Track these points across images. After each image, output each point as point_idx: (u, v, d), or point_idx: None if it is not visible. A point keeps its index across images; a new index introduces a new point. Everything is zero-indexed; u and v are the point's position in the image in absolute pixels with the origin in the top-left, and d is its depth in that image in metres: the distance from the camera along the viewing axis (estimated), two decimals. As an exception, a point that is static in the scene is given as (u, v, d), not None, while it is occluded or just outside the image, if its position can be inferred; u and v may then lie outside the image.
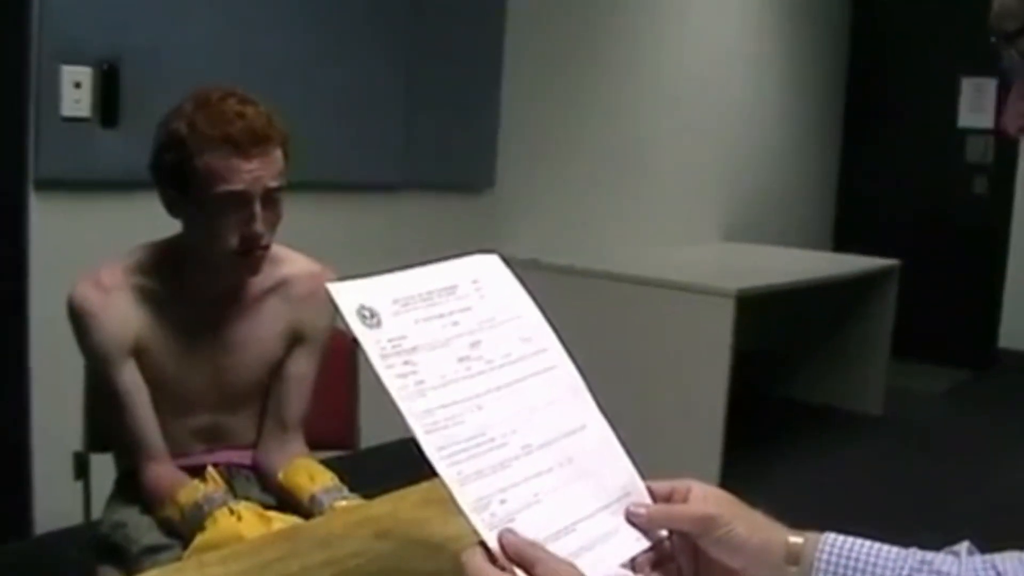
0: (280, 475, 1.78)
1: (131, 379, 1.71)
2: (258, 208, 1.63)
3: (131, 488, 1.78)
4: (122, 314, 1.69)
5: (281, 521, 1.59)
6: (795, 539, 0.97)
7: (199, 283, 1.74)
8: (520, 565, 0.84)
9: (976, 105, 6.35)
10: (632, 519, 0.97)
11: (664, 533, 0.98)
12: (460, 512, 0.86)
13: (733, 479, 3.63)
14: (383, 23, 3.71)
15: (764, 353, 5.20)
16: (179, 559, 1.54)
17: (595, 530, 0.94)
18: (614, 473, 1.00)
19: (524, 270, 4.28)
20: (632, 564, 0.95)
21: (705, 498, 0.97)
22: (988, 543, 0.99)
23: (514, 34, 4.20)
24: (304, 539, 1.32)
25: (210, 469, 1.72)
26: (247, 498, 1.73)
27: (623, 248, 4.83)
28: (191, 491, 1.66)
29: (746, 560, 0.96)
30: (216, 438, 1.84)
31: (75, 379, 1.92)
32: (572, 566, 0.86)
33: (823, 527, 1.00)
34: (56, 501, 2.61)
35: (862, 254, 5.41)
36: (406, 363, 0.93)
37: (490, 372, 0.98)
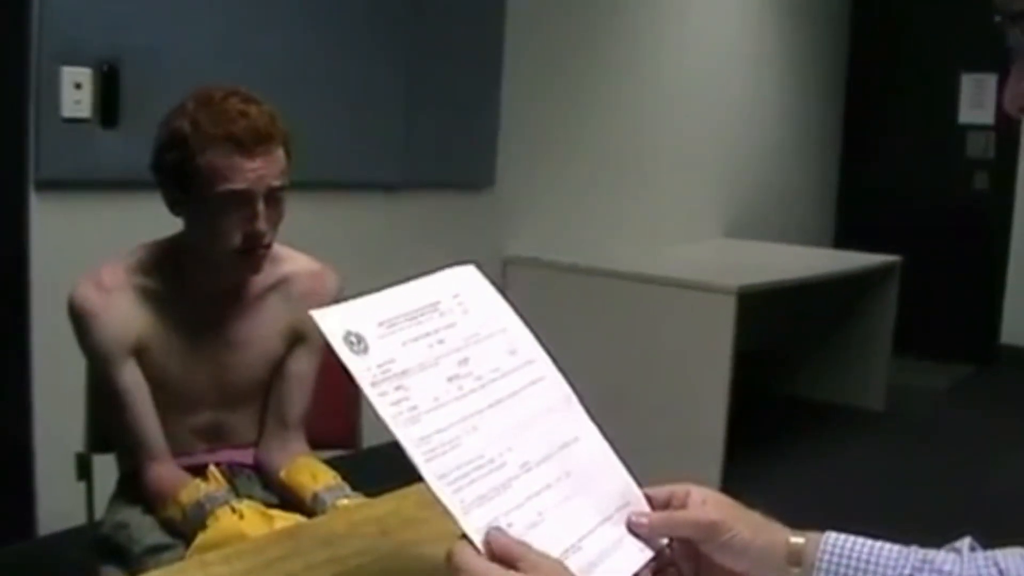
0: (282, 473, 1.78)
1: (132, 379, 1.71)
2: (261, 207, 1.63)
3: (133, 488, 1.78)
4: (123, 314, 1.69)
5: (283, 520, 1.59)
6: (796, 539, 0.97)
7: (200, 282, 1.74)
8: (505, 562, 0.84)
9: (977, 101, 6.34)
10: (634, 529, 0.96)
11: (665, 540, 0.97)
12: (467, 539, 0.85)
13: (735, 476, 3.64)
14: (383, 22, 3.71)
15: (766, 350, 5.20)
16: (182, 559, 1.54)
17: (599, 545, 0.93)
18: (611, 482, 1.00)
19: (525, 268, 4.31)
20: (635, 574, 0.94)
21: (704, 503, 0.97)
22: (990, 539, 0.99)
23: (514, 33, 4.20)
24: (306, 538, 1.32)
25: (212, 468, 1.72)
26: (249, 497, 1.73)
27: (624, 246, 4.82)
28: (193, 490, 1.66)
29: (750, 563, 0.96)
30: (217, 437, 1.84)
31: (77, 379, 1.92)
32: (559, 562, 0.86)
33: (825, 524, 1.00)
34: (58, 502, 2.61)
35: (863, 251, 5.40)
36: (398, 388, 0.92)
37: (481, 389, 0.97)
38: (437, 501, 0.85)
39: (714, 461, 3.73)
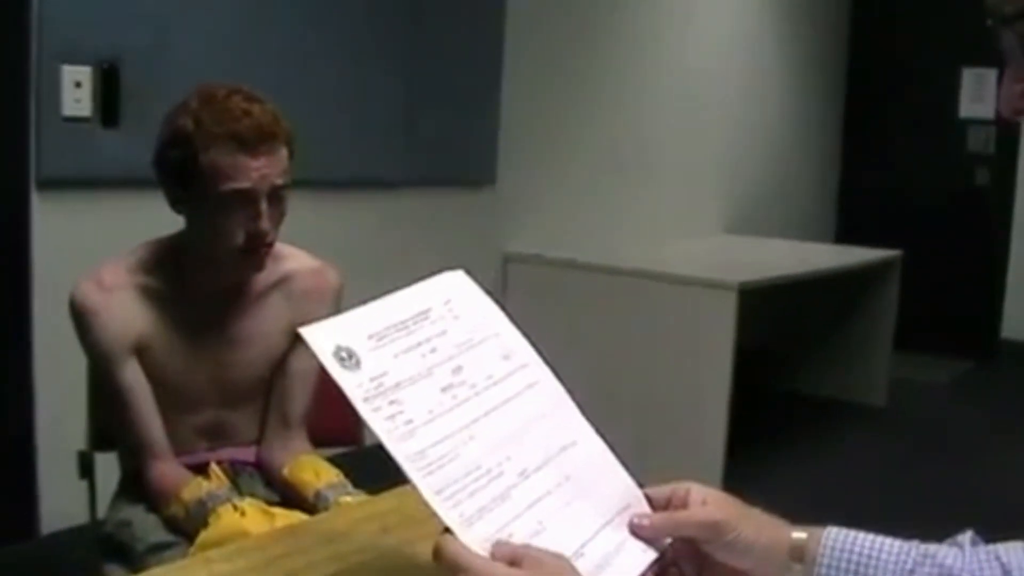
0: (285, 471, 1.78)
1: (134, 377, 1.71)
2: (264, 206, 1.63)
3: (136, 486, 1.78)
4: (124, 313, 1.69)
5: (285, 517, 1.59)
6: (798, 535, 0.97)
7: (202, 280, 1.74)
8: (511, 563, 0.84)
9: (977, 95, 6.34)
10: (637, 531, 0.96)
11: (668, 540, 0.97)
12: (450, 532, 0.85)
13: (737, 472, 3.64)
14: (383, 20, 3.70)
15: (767, 346, 5.20)
16: (184, 557, 1.54)
17: (602, 549, 0.93)
18: (611, 485, 1.00)
19: (526, 265, 4.32)
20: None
21: (705, 501, 0.97)
22: (992, 533, 0.99)
23: (514, 30, 4.20)
24: (309, 535, 1.32)
25: (214, 466, 1.72)
26: (252, 495, 1.73)
27: (625, 242, 4.82)
28: (195, 488, 1.66)
29: (754, 561, 0.96)
30: (219, 435, 1.84)
31: (79, 378, 1.92)
32: (559, 556, 0.86)
33: (827, 519, 1.00)
34: (61, 500, 2.61)
35: (864, 246, 5.40)
36: (391, 403, 0.91)
37: (475, 398, 0.96)
38: (435, 516, 0.85)
39: (715, 458, 3.73)
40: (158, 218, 1.72)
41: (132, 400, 1.71)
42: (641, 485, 1.01)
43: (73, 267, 1.76)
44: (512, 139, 4.25)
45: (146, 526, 1.73)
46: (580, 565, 0.89)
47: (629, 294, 4.09)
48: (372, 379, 0.92)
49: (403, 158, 3.83)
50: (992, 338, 6.30)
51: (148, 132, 1.70)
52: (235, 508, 1.59)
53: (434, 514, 0.85)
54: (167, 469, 1.73)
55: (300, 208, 1.77)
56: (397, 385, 0.93)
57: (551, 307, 4.20)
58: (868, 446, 4.69)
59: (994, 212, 6.32)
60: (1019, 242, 6.24)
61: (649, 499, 1.00)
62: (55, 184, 2.85)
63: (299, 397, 1.84)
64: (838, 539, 0.96)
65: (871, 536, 0.96)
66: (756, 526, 0.96)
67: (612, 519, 0.96)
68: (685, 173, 5.42)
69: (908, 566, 0.93)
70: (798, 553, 0.96)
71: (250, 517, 1.57)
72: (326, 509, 1.66)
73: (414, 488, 0.86)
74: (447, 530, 0.85)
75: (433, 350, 0.98)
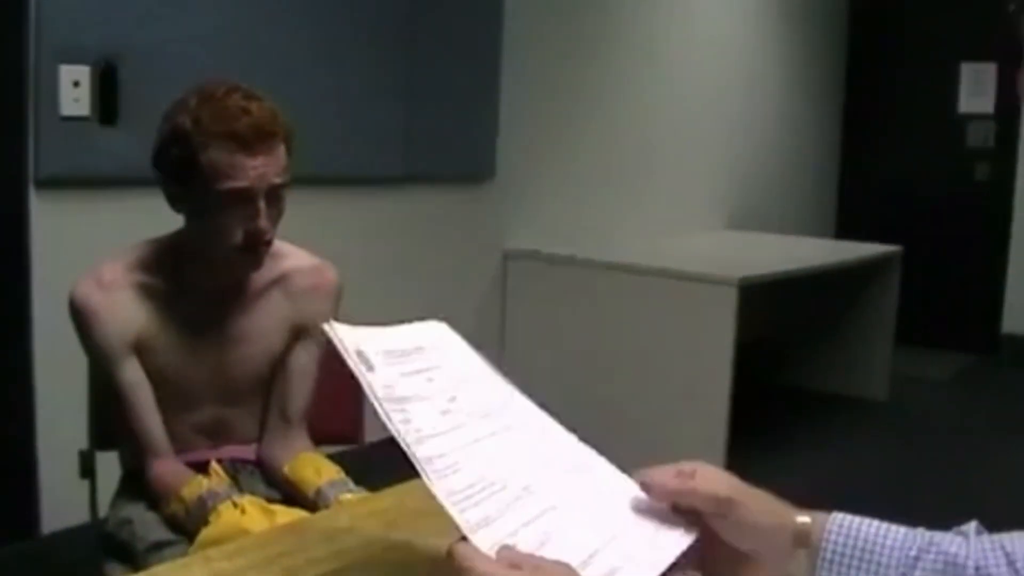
0: (286, 468, 1.78)
1: (134, 376, 1.71)
2: (262, 204, 1.63)
3: (137, 485, 1.78)
4: (124, 311, 1.69)
5: (285, 515, 1.59)
6: (803, 519, 0.97)
7: (201, 278, 1.74)
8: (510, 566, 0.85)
9: (976, 90, 6.33)
10: (644, 489, 0.99)
11: (679, 549, 0.97)
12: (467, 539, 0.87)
13: (738, 468, 3.60)
14: (382, 15, 3.70)
15: (768, 341, 5.20)
16: (185, 555, 1.54)
17: (611, 560, 0.93)
18: (624, 500, 1.01)
19: (526, 261, 4.31)
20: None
21: (714, 479, 0.98)
22: (993, 527, 0.99)
23: (513, 24, 4.20)
24: (310, 532, 1.32)
25: (214, 464, 1.72)
26: (252, 493, 1.73)
27: (625, 238, 4.82)
28: (195, 486, 1.66)
29: (756, 542, 0.97)
30: (220, 433, 1.84)
31: (79, 377, 1.92)
32: (567, 566, 0.87)
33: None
34: (62, 499, 2.62)
35: (864, 241, 5.40)
36: (403, 410, 0.95)
37: (471, 424, 1.00)
38: (450, 518, 0.87)
39: (716, 453, 3.72)
40: (157, 217, 1.72)
41: (132, 399, 1.71)
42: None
43: (72, 266, 1.76)
44: (511, 135, 4.25)
45: (147, 524, 1.73)
46: (590, 572, 0.89)
47: (629, 290, 4.09)
48: (385, 386, 0.97)
49: (402, 154, 3.83)
50: (993, 333, 6.30)
51: (146, 131, 1.70)
52: (235, 506, 1.59)
53: (449, 517, 0.87)
54: (167, 467, 1.73)
55: (299, 205, 1.77)
56: (404, 398, 0.97)
57: (551, 303, 4.20)
58: (869, 441, 4.69)
59: (994, 207, 6.31)
60: (1019, 236, 6.23)
61: (645, 486, 1.01)
62: (54, 183, 2.85)
63: (299, 394, 1.84)
64: (843, 524, 0.96)
65: (876, 522, 0.96)
66: (761, 507, 0.97)
67: (617, 536, 0.97)
68: (685, 169, 5.41)
69: (912, 553, 0.94)
70: (803, 538, 0.96)
71: (250, 515, 1.57)
72: (327, 506, 1.66)
73: (430, 490, 0.88)
74: (464, 538, 0.87)
75: (430, 380, 1.03)
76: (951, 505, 1.07)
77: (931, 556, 0.93)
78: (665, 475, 1.00)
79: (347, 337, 0.99)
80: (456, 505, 0.89)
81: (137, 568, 1.65)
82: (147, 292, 1.72)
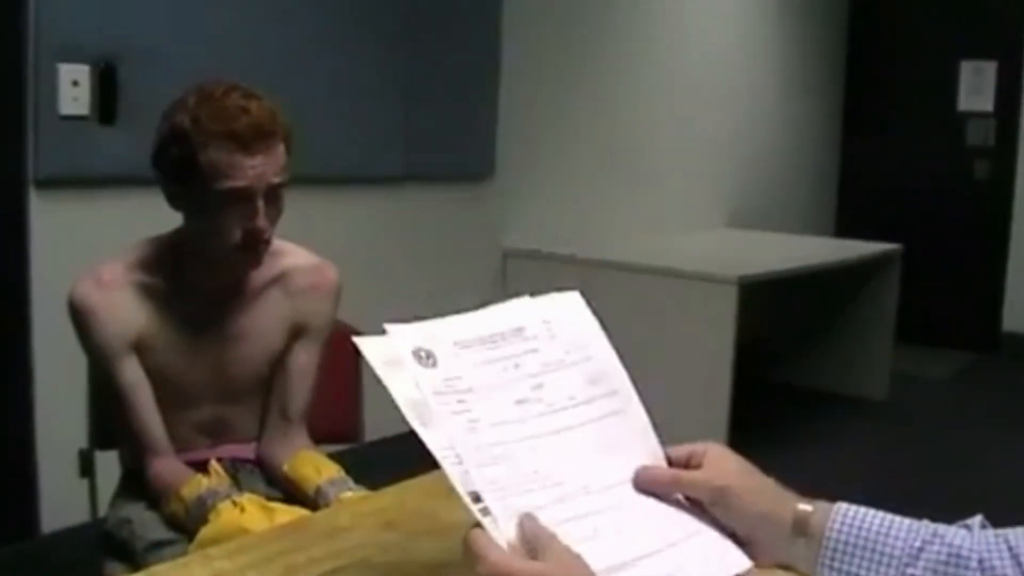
0: (286, 467, 1.78)
1: (134, 375, 1.71)
2: (261, 204, 1.63)
3: (136, 484, 1.78)
4: (123, 310, 1.69)
5: (284, 513, 1.59)
6: (804, 507, 0.98)
7: (200, 277, 1.74)
8: (530, 550, 0.85)
9: (976, 88, 6.33)
10: (638, 480, 1.00)
11: (730, 573, 0.98)
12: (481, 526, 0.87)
13: (738, 466, 3.63)
14: (380, 14, 3.70)
15: (768, 340, 5.20)
16: (185, 554, 1.54)
17: (660, 567, 0.94)
18: (683, 509, 1.01)
19: (525, 260, 4.31)
20: None
21: (718, 463, 1.01)
22: (994, 525, 0.99)
23: (512, 23, 4.19)
24: (310, 531, 1.32)
25: (213, 463, 1.72)
26: (252, 491, 1.73)
27: (625, 236, 4.82)
28: (194, 485, 1.66)
29: (751, 529, 0.99)
30: (219, 432, 1.84)
31: (78, 376, 1.92)
32: (579, 557, 0.86)
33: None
34: (61, 499, 2.62)
35: (864, 239, 5.40)
36: (460, 401, 0.94)
37: (550, 415, 0.99)
38: (471, 509, 0.87)
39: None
40: (156, 216, 1.71)
41: (132, 398, 1.71)
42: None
43: (72, 265, 1.76)
44: (511, 133, 4.25)
45: (146, 524, 1.73)
46: (636, 571, 0.91)
47: (629, 288, 4.09)
48: (446, 380, 0.95)
49: (401, 153, 3.83)
50: (993, 331, 6.30)
51: (146, 130, 1.70)
52: (235, 505, 1.59)
53: (471, 508, 0.87)
54: (167, 466, 1.73)
55: (298, 203, 1.77)
56: (470, 389, 0.96)
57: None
58: (869, 439, 4.69)
59: (994, 205, 6.31)
60: (1019, 235, 6.24)
61: (669, 459, 1.04)
62: (53, 183, 2.85)
63: (299, 393, 1.84)
64: (848, 514, 0.97)
65: (881, 513, 0.97)
66: (759, 495, 0.99)
67: (684, 539, 0.98)
68: (685, 167, 5.41)
69: (917, 544, 0.94)
70: (802, 527, 0.97)
71: (250, 514, 1.57)
72: (327, 505, 1.66)
73: (457, 479, 0.88)
74: (477, 525, 0.87)
75: (517, 366, 1.00)
76: (951, 503, 1.07)
77: (935, 548, 0.94)
78: (677, 458, 1.03)
79: (406, 336, 0.97)
80: (499, 491, 0.89)
81: (137, 567, 1.65)
82: (147, 291, 1.71)
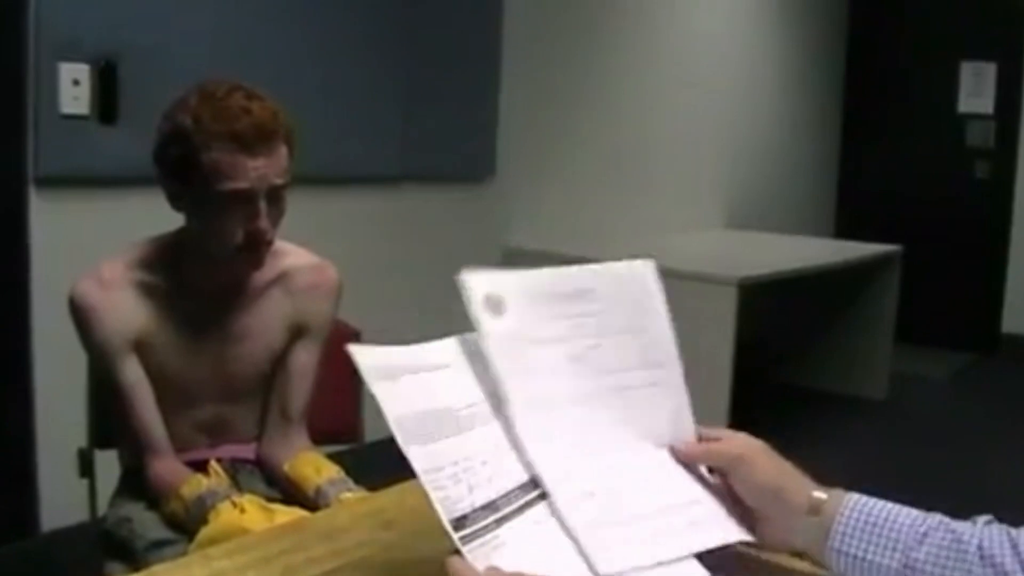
0: (286, 467, 1.78)
1: (134, 374, 1.71)
2: (262, 205, 1.63)
3: (136, 484, 1.78)
4: (123, 309, 1.69)
5: (284, 514, 1.59)
6: (819, 494, 1.03)
7: (201, 276, 1.74)
8: None
9: (976, 90, 6.33)
10: (674, 454, 1.08)
11: (731, 537, 1.03)
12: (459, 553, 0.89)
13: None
14: (381, 14, 3.70)
15: (767, 340, 5.20)
16: (185, 554, 1.54)
17: (681, 516, 1.01)
18: (697, 475, 1.08)
19: (526, 260, 4.30)
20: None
21: (741, 439, 1.08)
22: (995, 526, 1.00)
23: (513, 24, 4.20)
24: (310, 531, 1.32)
25: (213, 463, 1.72)
26: (252, 492, 1.73)
27: (625, 236, 4.82)
28: (194, 485, 1.66)
29: (763, 501, 1.04)
30: (219, 432, 1.84)
31: (78, 376, 1.92)
32: None
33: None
34: (61, 498, 2.61)
35: (864, 240, 5.40)
36: (519, 349, 0.99)
37: (597, 376, 1.03)
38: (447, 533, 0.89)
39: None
40: (157, 216, 1.71)
41: (132, 397, 1.71)
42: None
43: (72, 265, 1.76)
44: (511, 134, 4.25)
45: (146, 523, 1.73)
46: (661, 522, 0.98)
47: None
48: (510, 328, 1.00)
49: (402, 153, 3.83)
50: (993, 332, 6.30)
51: (146, 130, 1.70)
52: (234, 505, 1.59)
53: (452, 535, 0.90)
54: (167, 466, 1.73)
55: (299, 204, 1.77)
56: (529, 339, 1.00)
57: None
58: (868, 440, 4.69)
59: (994, 206, 6.32)
60: (1019, 236, 6.24)
61: (699, 438, 1.11)
62: (53, 182, 2.85)
63: (299, 393, 1.84)
64: (858, 502, 1.01)
65: (890, 503, 1.01)
66: (775, 471, 1.05)
67: (699, 499, 1.04)
68: (685, 168, 5.41)
69: (922, 530, 0.98)
70: (816, 509, 1.02)
71: (249, 514, 1.57)
72: (327, 505, 1.66)
73: (439, 504, 0.91)
74: (457, 552, 0.89)
75: (579, 325, 1.05)
76: (950, 504, 1.08)
77: (939, 534, 0.97)
78: (707, 436, 1.11)
79: (479, 282, 1.02)
80: (542, 440, 0.95)
81: (136, 567, 1.65)
82: (147, 290, 1.71)
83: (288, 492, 1.78)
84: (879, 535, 0.98)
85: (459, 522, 0.90)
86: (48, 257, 2.81)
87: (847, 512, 1.00)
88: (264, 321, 1.79)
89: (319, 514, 1.56)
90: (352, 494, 1.69)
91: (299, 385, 1.84)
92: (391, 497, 1.43)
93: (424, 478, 0.91)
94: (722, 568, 0.99)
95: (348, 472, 1.77)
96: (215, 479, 1.68)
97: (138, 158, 1.80)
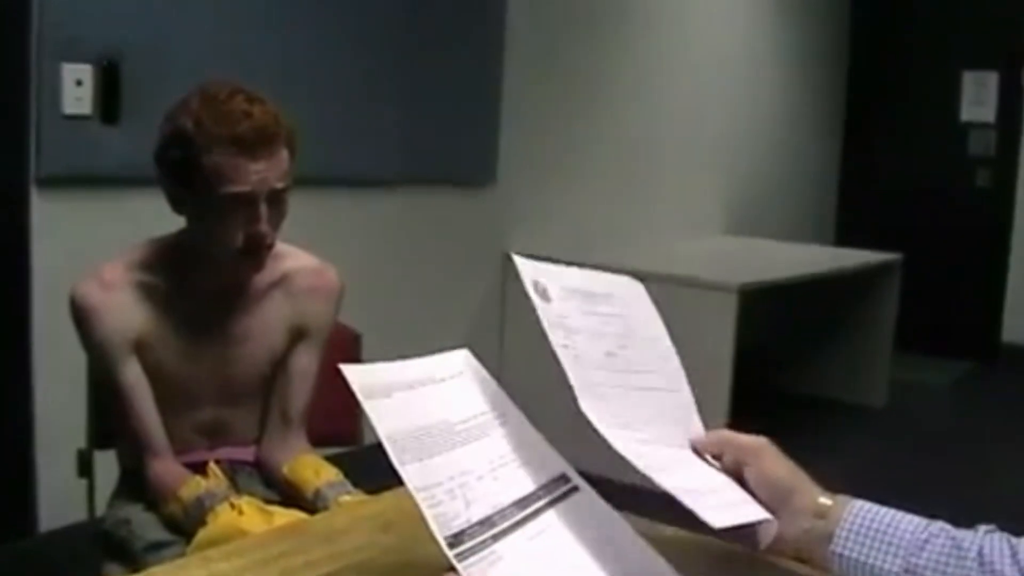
0: (285, 469, 1.78)
1: (134, 375, 1.71)
2: (263, 208, 1.63)
3: (135, 485, 1.78)
4: (124, 310, 1.69)
5: (282, 516, 1.59)
6: (825, 500, 1.05)
7: (202, 278, 1.74)
8: None
9: (978, 99, 6.34)
10: (693, 443, 1.13)
11: (754, 517, 1.05)
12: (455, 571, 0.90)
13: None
14: (382, 17, 3.70)
15: (767, 347, 5.20)
16: (183, 555, 1.54)
17: (718, 496, 1.05)
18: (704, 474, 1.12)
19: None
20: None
21: (758, 438, 1.12)
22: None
23: (514, 28, 4.20)
24: (308, 534, 1.32)
25: (212, 465, 1.72)
26: (250, 494, 1.73)
27: (625, 243, 4.82)
28: (193, 487, 1.66)
29: (773, 496, 1.06)
30: (219, 434, 1.84)
31: (78, 376, 1.92)
32: None
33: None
34: (60, 498, 2.61)
35: (865, 248, 5.40)
36: (567, 336, 1.04)
37: (629, 373, 1.09)
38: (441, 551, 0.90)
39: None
40: (158, 216, 1.72)
41: (132, 398, 1.71)
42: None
43: (73, 265, 1.76)
44: (512, 138, 4.25)
45: (145, 524, 1.73)
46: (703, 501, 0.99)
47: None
48: (557, 315, 1.05)
49: (403, 156, 3.83)
50: (993, 341, 6.30)
51: (149, 130, 1.70)
52: (233, 507, 1.59)
53: (447, 552, 0.90)
54: (166, 467, 1.73)
55: (299, 207, 1.77)
56: (574, 329, 1.06)
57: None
58: (868, 447, 4.69)
59: (995, 215, 6.32)
60: (1020, 245, 6.24)
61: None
62: (55, 182, 2.85)
63: (299, 396, 1.84)
64: (863, 507, 1.03)
65: (893, 510, 1.04)
66: (788, 470, 1.08)
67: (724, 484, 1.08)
68: (685, 174, 5.41)
69: (923, 536, 1.00)
70: (821, 515, 1.04)
71: (248, 516, 1.57)
72: (325, 508, 1.66)
73: (433, 522, 0.92)
74: (451, 569, 0.90)
75: (607, 323, 1.11)
76: (950, 512, 1.08)
77: (940, 540, 0.99)
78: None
79: (529, 268, 1.08)
80: (609, 420, 0.99)
81: (135, 568, 1.65)
82: (148, 291, 1.72)
83: (287, 494, 1.78)
84: (881, 540, 1.00)
85: (455, 538, 0.90)
86: (49, 257, 2.81)
87: (851, 517, 1.02)
88: (264, 323, 1.79)
89: (318, 517, 1.56)
90: (351, 497, 1.69)
91: (299, 388, 1.84)
92: (390, 500, 1.43)
93: (418, 496, 0.91)
94: (728, 568, 1.00)
95: (347, 475, 1.77)
96: (214, 481, 1.68)
97: (140, 158, 1.80)
